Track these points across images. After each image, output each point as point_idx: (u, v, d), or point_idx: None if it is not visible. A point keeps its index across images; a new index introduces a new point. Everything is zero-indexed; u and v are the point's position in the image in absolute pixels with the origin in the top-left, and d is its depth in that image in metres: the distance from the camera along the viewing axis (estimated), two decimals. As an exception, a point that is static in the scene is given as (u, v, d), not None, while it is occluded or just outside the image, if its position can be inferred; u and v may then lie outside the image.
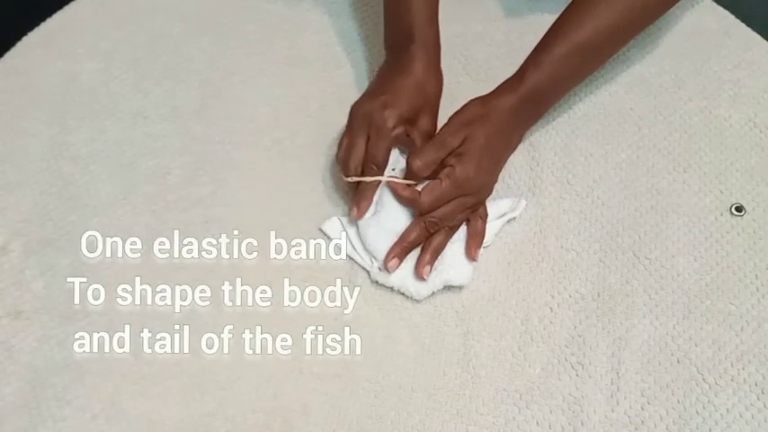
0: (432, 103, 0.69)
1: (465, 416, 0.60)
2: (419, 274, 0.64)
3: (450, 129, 0.65)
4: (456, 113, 0.66)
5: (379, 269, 0.65)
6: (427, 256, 0.64)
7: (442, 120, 0.67)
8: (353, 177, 0.66)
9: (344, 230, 0.67)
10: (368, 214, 0.66)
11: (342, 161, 0.67)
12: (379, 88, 0.68)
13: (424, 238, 0.65)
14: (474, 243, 0.66)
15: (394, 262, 0.64)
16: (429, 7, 0.70)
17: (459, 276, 0.65)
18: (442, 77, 0.70)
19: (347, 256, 0.67)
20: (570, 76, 0.69)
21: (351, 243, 0.67)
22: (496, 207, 0.68)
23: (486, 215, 0.67)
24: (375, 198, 0.66)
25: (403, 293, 0.65)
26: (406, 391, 0.61)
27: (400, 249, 0.64)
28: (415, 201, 0.64)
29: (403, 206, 0.65)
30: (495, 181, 0.68)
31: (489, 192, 0.67)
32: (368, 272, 0.66)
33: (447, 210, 0.64)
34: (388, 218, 0.65)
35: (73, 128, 0.76)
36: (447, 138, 0.64)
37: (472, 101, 0.66)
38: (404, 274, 0.65)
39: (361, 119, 0.66)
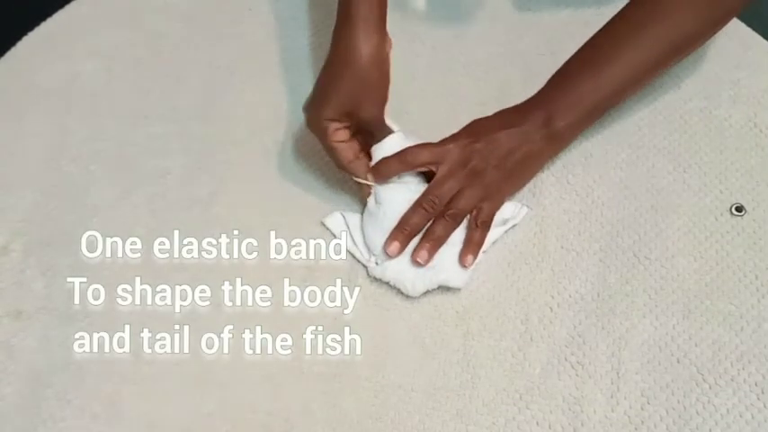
0: (375, 90, 0.64)
1: (465, 416, 0.60)
2: (415, 257, 0.63)
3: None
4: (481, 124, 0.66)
5: (376, 263, 0.65)
6: (427, 244, 0.64)
7: (437, 112, 0.67)
8: (361, 181, 0.66)
9: (346, 224, 0.67)
10: (370, 204, 0.66)
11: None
12: (316, 87, 0.65)
13: (425, 222, 0.64)
14: (468, 250, 0.65)
15: (395, 246, 0.63)
16: None
17: (456, 279, 0.65)
18: (388, 59, 0.64)
19: (347, 251, 0.67)
20: (598, 116, 0.69)
21: (351, 237, 0.67)
22: (498, 212, 0.67)
23: (489, 224, 0.66)
24: (373, 190, 0.66)
25: (399, 289, 0.65)
26: (406, 391, 0.61)
27: (402, 235, 0.64)
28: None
29: (401, 203, 0.65)
30: (506, 189, 0.68)
31: (500, 195, 0.67)
32: (366, 268, 0.66)
33: (447, 187, 0.64)
34: (386, 214, 0.65)
35: (73, 128, 0.76)
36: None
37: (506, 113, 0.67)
38: (400, 268, 0.64)
39: (310, 127, 0.66)
